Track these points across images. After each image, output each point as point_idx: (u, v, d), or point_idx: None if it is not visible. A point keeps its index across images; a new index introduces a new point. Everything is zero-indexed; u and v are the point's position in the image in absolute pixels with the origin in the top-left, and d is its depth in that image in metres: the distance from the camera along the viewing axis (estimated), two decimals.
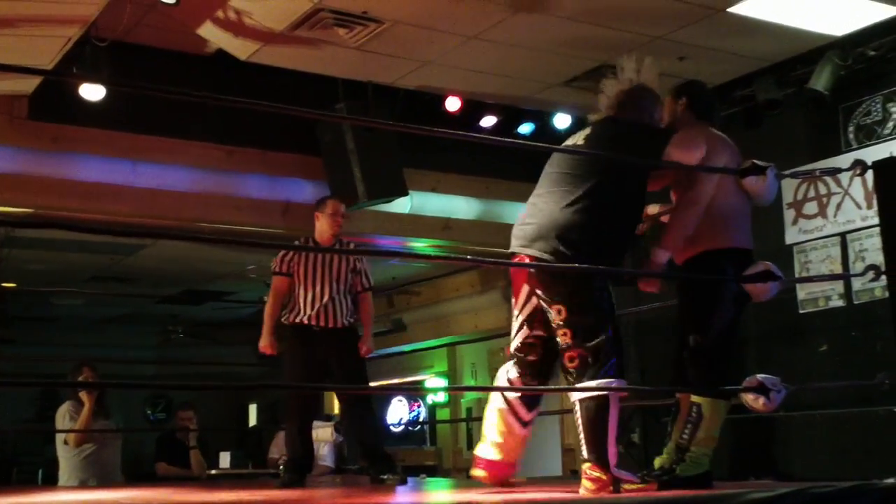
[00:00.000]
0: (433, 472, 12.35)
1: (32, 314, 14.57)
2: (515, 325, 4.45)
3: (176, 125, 8.20)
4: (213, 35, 7.51)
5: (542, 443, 12.46)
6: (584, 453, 4.05)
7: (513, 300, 4.49)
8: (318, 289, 6.51)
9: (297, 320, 6.53)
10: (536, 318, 4.35)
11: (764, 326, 7.99)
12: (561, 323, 4.14)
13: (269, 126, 8.53)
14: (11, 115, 7.76)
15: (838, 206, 7.92)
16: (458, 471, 12.53)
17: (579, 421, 4.07)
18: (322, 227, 6.70)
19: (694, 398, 4.48)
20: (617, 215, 4.34)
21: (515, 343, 4.46)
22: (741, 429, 7.25)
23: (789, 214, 8.23)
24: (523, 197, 9.94)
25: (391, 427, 15.12)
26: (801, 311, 8.01)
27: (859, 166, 5.03)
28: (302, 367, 6.46)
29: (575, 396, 4.09)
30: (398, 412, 15.51)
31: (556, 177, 4.37)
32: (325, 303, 6.49)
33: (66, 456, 7.81)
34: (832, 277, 7.89)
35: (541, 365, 4.46)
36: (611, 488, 3.97)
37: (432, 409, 15.04)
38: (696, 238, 4.58)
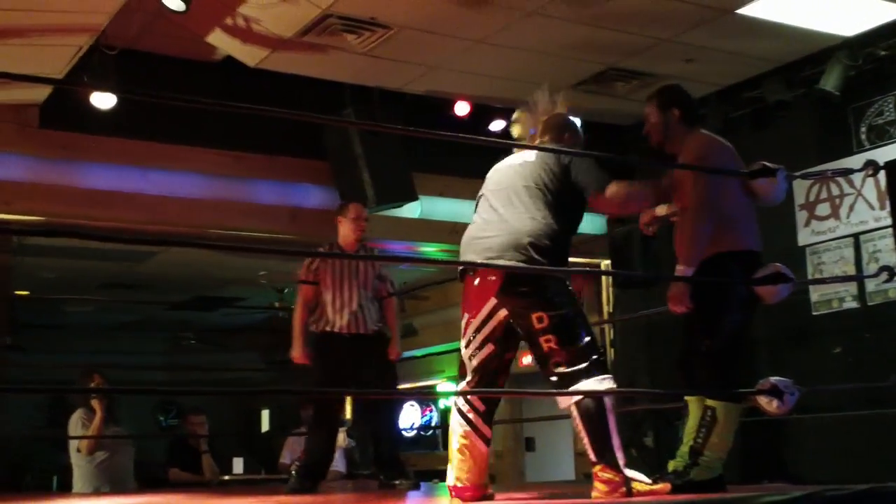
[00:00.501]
0: (445, 476, 12.31)
1: (43, 321, 14.59)
2: (476, 341, 4.38)
3: (185, 132, 8.21)
4: (221, 42, 7.52)
5: (554, 447, 12.48)
6: (592, 456, 4.03)
7: (466, 317, 4.41)
8: (346, 296, 6.47)
9: (327, 328, 6.48)
10: (499, 333, 4.32)
11: (777, 328, 7.96)
12: (543, 329, 4.12)
13: (277, 132, 8.54)
14: (22, 124, 7.78)
15: (851, 207, 7.90)
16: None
17: (580, 425, 4.06)
18: (345, 232, 6.67)
19: (708, 402, 4.46)
20: (571, 227, 4.40)
21: (478, 359, 4.39)
22: (754, 431, 7.22)
23: (802, 216, 8.21)
24: None
25: (403, 432, 15.12)
26: (815, 313, 7.99)
27: (871, 167, 5.02)
28: (332, 375, 6.41)
29: (570, 401, 4.08)
30: (410, 417, 15.51)
31: (514, 192, 4.37)
32: (355, 310, 6.46)
33: (79, 463, 7.83)
34: (845, 279, 7.87)
35: (498, 379, 4.44)
36: (623, 489, 3.96)
37: (444, 413, 15.02)
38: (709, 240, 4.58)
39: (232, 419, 18.10)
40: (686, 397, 4.75)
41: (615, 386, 4.17)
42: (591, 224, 10.00)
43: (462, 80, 8.30)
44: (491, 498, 4.49)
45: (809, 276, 7.97)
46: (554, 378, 4.15)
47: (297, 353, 6.53)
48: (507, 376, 4.49)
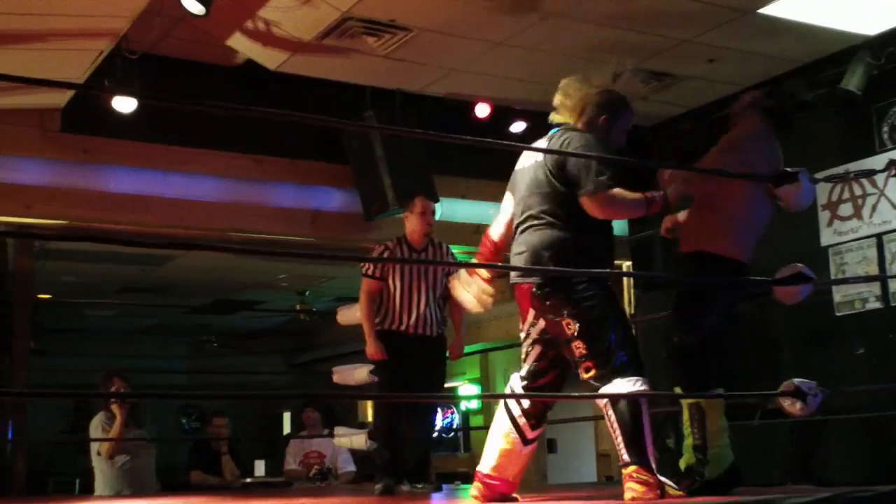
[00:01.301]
0: (467, 478, 12.30)
1: (65, 325, 14.66)
2: (527, 341, 4.44)
3: (205, 135, 8.22)
4: (242, 46, 7.54)
5: (577, 449, 12.46)
6: (626, 457, 4.03)
7: (520, 325, 4.49)
8: (415, 296, 6.43)
9: (393, 328, 6.41)
10: (545, 336, 4.34)
11: (800, 330, 7.93)
12: (573, 336, 4.17)
13: (297, 135, 8.55)
14: (44, 129, 7.81)
15: (874, 207, 7.85)
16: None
17: (615, 425, 4.06)
18: (412, 227, 6.64)
19: (689, 399, 4.51)
20: (593, 223, 4.37)
21: (531, 358, 4.44)
22: (779, 433, 7.20)
23: (824, 216, 8.17)
24: None
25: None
26: (838, 314, 7.94)
27: (894, 167, 4.99)
28: (394, 374, 6.34)
29: (603, 402, 4.11)
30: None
31: (531, 201, 4.40)
32: (423, 311, 6.42)
33: (100, 467, 7.85)
34: (868, 279, 7.82)
35: (553, 386, 4.45)
36: (659, 491, 3.98)
37: (466, 415, 15.03)
38: (698, 234, 4.59)
39: (254, 422, 18.15)
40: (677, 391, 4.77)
41: (648, 388, 4.18)
42: (614, 226, 9.98)
43: (482, 82, 8.29)
44: (514, 500, 4.50)
45: (832, 277, 7.93)
46: (587, 380, 4.18)
47: (372, 348, 6.43)
48: (559, 376, 4.47)
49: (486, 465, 4.37)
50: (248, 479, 10.40)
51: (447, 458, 14.28)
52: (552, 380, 4.46)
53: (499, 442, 4.36)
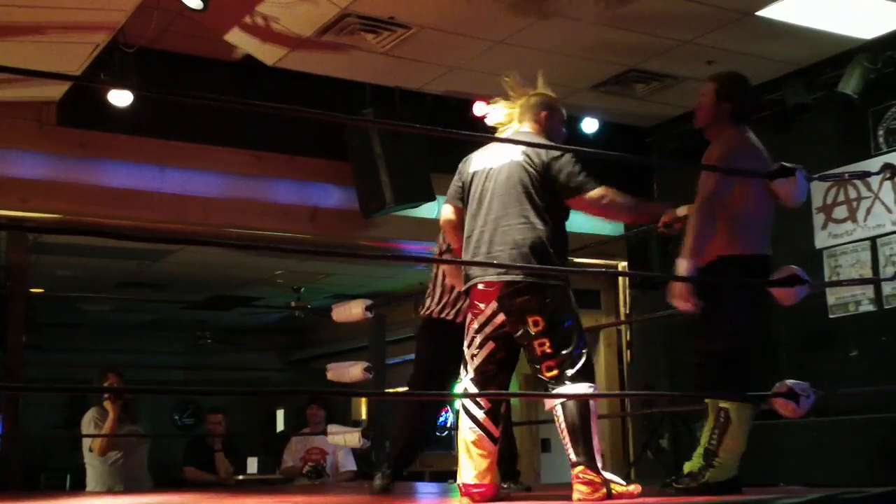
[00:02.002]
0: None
1: (60, 320, 14.63)
2: (477, 340, 4.40)
3: (203, 131, 8.22)
4: (240, 41, 7.53)
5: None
6: (573, 457, 4.07)
7: (470, 317, 4.44)
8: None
9: (441, 315, 6.14)
10: (499, 333, 4.33)
11: (794, 331, 7.94)
12: (538, 333, 4.18)
13: (296, 131, 8.55)
14: (40, 122, 7.80)
15: (868, 210, 7.86)
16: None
17: (563, 426, 4.10)
18: None
19: (721, 403, 4.45)
20: (563, 226, 4.47)
21: (480, 358, 4.41)
22: (771, 434, 7.20)
23: (819, 219, 8.17)
24: None
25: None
26: (832, 316, 7.95)
27: (889, 170, 4.99)
28: (433, 363, 6.08)
29: (555, 402, 4.13)
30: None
31: (508, 198, 4.37)
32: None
33: (92, 463, 7.81)
34: (862, 282, 7.84)
35: (502, 381, 4.45)
36: (604, 490, 4.00)
37: (459, 414, 15.00)
38: (712, 244, 4.57)
39: (248, 419, 18.12)
40: (706, 400, 4.74)
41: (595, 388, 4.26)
42: (609, 225, 9.97)
43: (482, 80, 8.27)
44: (505, 497, 4.50)
45: (826, 279, 7.94)
46: (544, 380, 4.21)
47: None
48: (509, 375, 4.50)
49: (467, 474, 4.36)
50: (241, 476, 10.38)
51: (441, 457, 14.25)
52: (502, 383, 4.47)
53: (472, 449, 4.35)
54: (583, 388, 4.12)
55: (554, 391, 4.15)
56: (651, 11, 7.16)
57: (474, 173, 4.64)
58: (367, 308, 6.97)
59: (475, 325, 4.38)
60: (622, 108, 8.98)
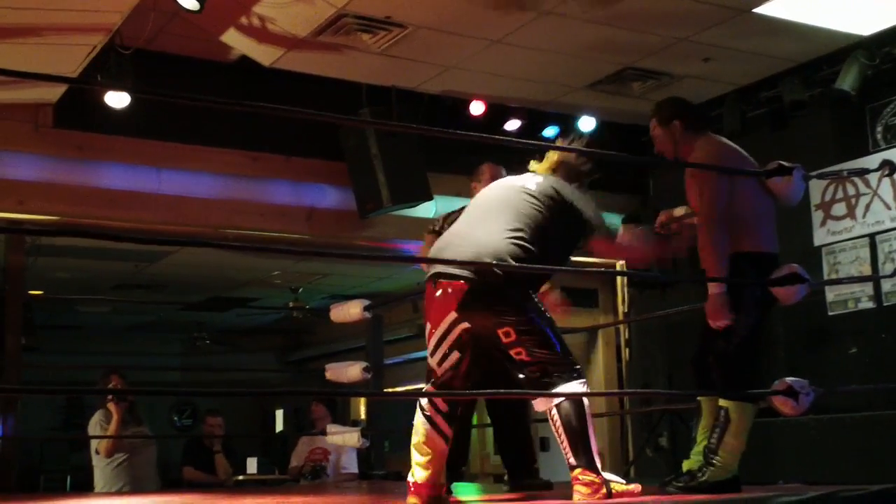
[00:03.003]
0: (460, 476, 12.30)
1: (58, 322, 14.62)
2: (441, 350, 4.35)
3: (200, 132, 8.21)
4: (236, 42, 7.52)
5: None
6: (572, 459, 4.05)
7: (429, 327, 4.38)
8: None
9: None
10: (463, 341, 4.31)
11: (793, 329, 7.94)
12: (511, 343, 4.15)
13: (293, 132, 8.54)
14: (37, 124, 7.79)
15: (867, 206, 7.86)
16: (486, 475, 12.50)
17: (560, 429, 4.07)
18: None
19: (721, 402, 4.45)
20: (550, 257, 4.34)
21: (445, 366, 4.36)
22: (770, 432, 7.20)
23: (817, 216, 8.18)
24: None
25: None
26: (831, 314, 7.95)
27: (887, 167, 4.99)
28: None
29: (549, 404, 4.10)
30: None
31: (495, 209, 4.36)
32: None
33: (99, 465, 7.83)
34: (861, 279, 7.84)
35: (466, 382, 4.43)
36: (604, 490, 3.99)
37: None
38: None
39: (246, 419, 18.12)
40: (699, 398, 4.74)
41: (587, 389, 4.23)
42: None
43: (478, 79, 8.28)
44: (449, 494, 4.51)
45: (825, 277, 7.94)
46: (530, 384, 4.17)
47: None
48: (475, 379, 4.47)
49: (419, 474, 4.35)
50: (241, 477, 10.38)
51: None
52: (465, 382, 4.46)
53: (426, 450, 4.35)
54: (574, 386, 4.09)
55: (546, 396, 4.11)
56: (647, 9, 7.15)
57: (481, 192, 4.68)
58: (365, 308, 6.96)
59: (436, 337, 4.34)
60: (619, 106, 8.97)
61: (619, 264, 9.76)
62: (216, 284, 13.58)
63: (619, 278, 10.35)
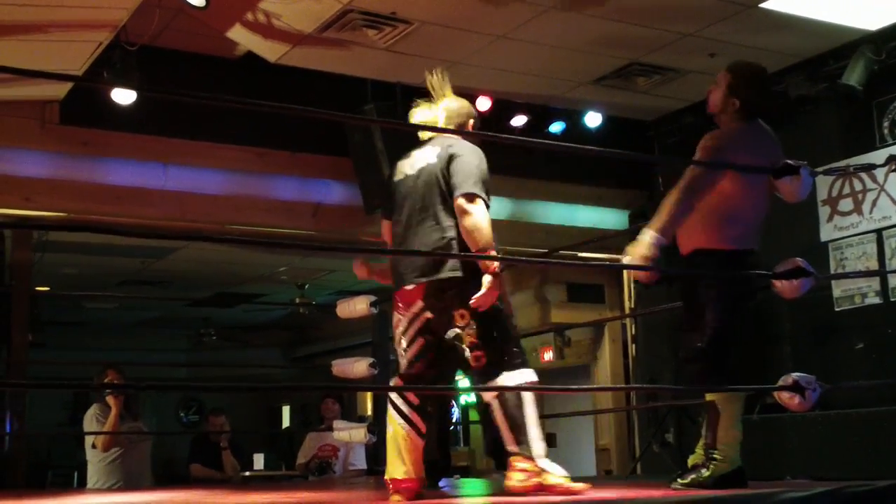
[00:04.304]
0: (466, 472, 12.31)
1: (64, 318, 14.65)
2: (406, 337, 4.42)
3: (206, 128, 8.22)
4: (242, 38, 7.53)
5: (576, 443, 12.44)
6: (509, 446, 4.13)
7: (396, 317, 4.47)
8: None
9: None
10: (427, 329, 4.37)
11: (799, 324, 7.93)
12: (464, 325, 4.23)
13: (298, 128, 8.54)
14: (43, 121, 7.80)
15: (874, 202, 7.84)
16: (492, 471, 12.50)
17: (499, 416, 4.17)
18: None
19: (708, 397, 4.49)
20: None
21: (410, 354, 4.42)
22: (776, 428, 7.20)
23: (824, 211, 8.16)
24: (554, 196, 9.94)
25: None
26: (837, 309, 7.94)
27: (894, 162, 4.97)
28: None
29: (490, 394, 4.20)
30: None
31: (424, 204, 4.43)
32: None
33: (93, 460, 7.82)
34: (868, 274, 7.82)
35: (430, 372, 4.47)
36: (537, 479, 4.05)
37: (465, 409, 15.01)
38: (693, 235, 4.58)
39: (253, 415, 18.14)
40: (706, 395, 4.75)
41: (536, 380, 4.30)
42: (613, 219, 9.98)
43: (483, 75, 8.28)
44: (426, 488, 4.53)
45: (832, 272, 7.92)
46: (477, 371, 4.25)
47: None
48: (441, 373, 4.53)
49: (397, 470, 4.37)
50: (248, 473, 10.39)
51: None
52: (432, 381, 4.49)
53: (401, 444, 4.37)
54: (523, 374, 4.19)
55: (489, 381, 4.19)
56: (653, 4, 7.15)
57: (397, 182, 4.70)
58: (372, 304, 6.96)
59: (402, 326, 4.43)
60: (624, 101, 8.97)
61: (626, 259, 9.75)
62: (222, 280, 13.60)
63: (625, 273, 10.35)
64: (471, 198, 4.26)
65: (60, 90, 7.63)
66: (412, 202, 4.48)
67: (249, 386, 9.22)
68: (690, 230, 4.63)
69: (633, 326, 10.30)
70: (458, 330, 4.24)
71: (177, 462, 11.00)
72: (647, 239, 4.48)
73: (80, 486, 11.81)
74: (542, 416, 5.71)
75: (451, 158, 4.42)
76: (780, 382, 4.25)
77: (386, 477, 4.42)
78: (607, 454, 11.12)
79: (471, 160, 4.39)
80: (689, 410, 8.09)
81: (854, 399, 7.33)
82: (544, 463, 4.15)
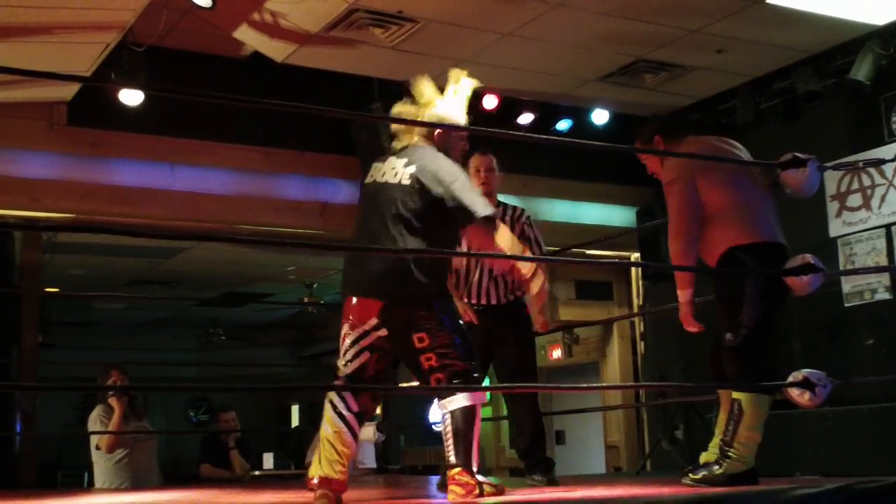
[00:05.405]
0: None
1: (73, 318, 14.67)
2: (351, 352, 4.41)
3: (213, 128, 8.22)
4: (249, 38, 7.53)
5: (585, 441, 12.44)
6: (453, 459, 4.19)
7: (345, 329, 4.43)
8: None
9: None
10: (376, 346, 4.37)
11: (809, 320, 7.92)
12: (423, 349, 4.23)
13: (306, 127, 8.54)
14: (51, 122, 7.81)
15: (882, 197, 7.83)
16: (501, 469, 12.50)
17: (449, 431, 4.23)
18: None
19: (734, 394, 4.45)
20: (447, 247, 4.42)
21: (351, 368, 4.43)
22: (786, 424, 7.19)
23: (833, 207, 8.15)
24: (561, 194, 9.93)
25: (433, 426, 15.11)
26: (847, 305, 7.93)
27: None
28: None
29: (445, 409, 4.25)
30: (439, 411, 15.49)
31: (388, 219, 4.35)
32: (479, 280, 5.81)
33: (99, 462, 7.80)
34: (877, 270, 7.81)
35: (371, 396, 4.55)
36: (477, 492, 4.12)
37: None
38: (721, 237, 4.55)
39: (262, 415, 18.16)
40: (718, 391, 4.74)
41: (487, 400, 4.31)
42: (620, 216, 9.97)
43: (490, 73, 8.26)
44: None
45: (841, 268, 7.91)
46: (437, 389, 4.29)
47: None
48: (382, 383, 4.60)
49: (327, 468, 4.38)
50: (257, 472, 10.40)
51: (439, 450, 14.23)
52: (375, 381, 4.52)
53: (336, 444, 4.39)
54: (471, 398, 4.21)
55: (443, 401, 4.24)
56: (659, 0, 7.14)
57: (365, 185, 4.65)
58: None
59: (350, 339, 4.40)
60: (631, 98, 8.96)
61: (634, 257, 9.76)
62: (230, 280, 13.62)
63: (633, 270, 10.35)
64: (490, 221, 4.26)
65: (68, 91, 7.65)
66: (381, 211, 4.39)
67: (265, 387, 9.22)
68: (714, 233, 4.60)
69: (642, 324, 10.30)
70: None
71: (186, 461, 11.00)
72: (684, 301, 4.58)
73: (91, 486, 11.84)
74: (551, 413, 5.72)
75: (436, 178, 4.33)
76: (791, 379, 4.24)
77: (310, 475, 4.43)
78: (616, 451, 11.11)
79: (463, 177, 4.36)
80: (699, 407, 8.09)
81: (864, 395, 7.32)
82: (480, 477, 4.23)
